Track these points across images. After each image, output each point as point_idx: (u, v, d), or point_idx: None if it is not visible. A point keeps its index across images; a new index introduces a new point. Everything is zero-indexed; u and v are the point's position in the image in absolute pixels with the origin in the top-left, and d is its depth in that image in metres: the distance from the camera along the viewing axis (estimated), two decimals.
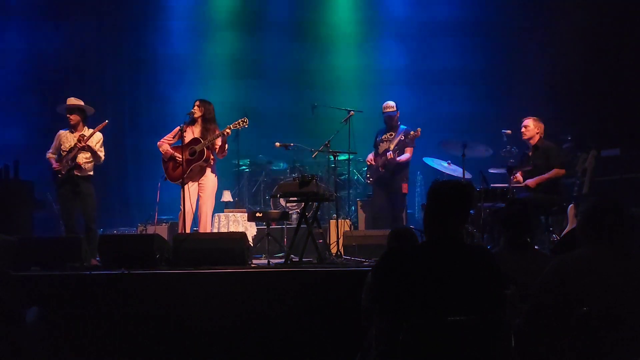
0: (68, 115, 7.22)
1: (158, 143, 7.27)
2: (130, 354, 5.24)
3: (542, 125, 6.99)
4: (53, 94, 9.40)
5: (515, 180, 6.84)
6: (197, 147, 7.02)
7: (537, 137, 6.96)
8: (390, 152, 7.67)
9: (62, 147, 7.20)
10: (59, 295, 5.34)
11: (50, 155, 7.24)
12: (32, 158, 8.39)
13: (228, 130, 6.96)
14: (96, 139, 7.18)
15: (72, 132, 7.24)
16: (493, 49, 9.81)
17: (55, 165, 7.13)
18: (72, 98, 7.34)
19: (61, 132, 7.32)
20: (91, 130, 7.18)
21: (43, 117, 9.15)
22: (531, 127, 6.95)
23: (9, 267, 5.16)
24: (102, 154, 7.20)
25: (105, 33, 10.16)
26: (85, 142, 7.04)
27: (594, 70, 8.96)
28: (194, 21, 10.54)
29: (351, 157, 8.55)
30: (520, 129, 7.04)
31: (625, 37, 8.83)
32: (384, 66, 10.27)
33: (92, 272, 5.55)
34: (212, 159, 7.17)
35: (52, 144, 7.32)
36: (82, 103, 7.30)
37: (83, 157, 7.14)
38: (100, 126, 7.15)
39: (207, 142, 7.01)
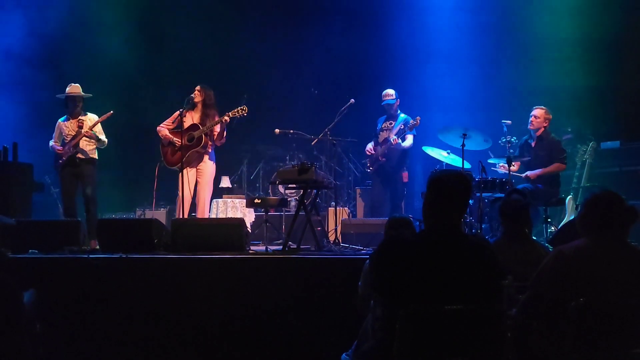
0: (76, 104, 7.27)
1: (157, 128, 7.27)
2: (126, 337, 5.25)
3: (550, 117, 7.00)
4: (52, 75, 9.38)
5: (502, 168, 6.87)
6: (195, 134, 7.02)
7: (542, 129, 6.97)
8: (395, 137, 7.67)
9: (63, 133, 7.27)
10: (56, 279, 5.35)
11: (52, 144, 7.32)
12: (31, 140, 8.39)
13: (226, 118, 6.95)
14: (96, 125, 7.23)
15: (71, 119, 7.26)
16: (495, 43, 9.76)
17: (59, 148, 7.17)
18: (74, 85, 7.35)
19: (60, 121, 7.37)
20: (95, 118, 7.23)
21: (42, 100, 9.12)
22: (541, 119, 6.95)
23: (8, 249, 5.18)
24: (103, 136, 7.26)
25: (105, 14, 10.09)
26: (90, 129, 7.08)
27: (594, 63, 8.93)
28: (197, 2, 10.49)
29: (351, 145, 8.56)
30: (528, 118, 7.03)
31: (626, 30, 8.80)
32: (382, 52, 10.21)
33: (90, 256, 5.56)
34: (210, 145, 7.17)
35: (52, 131, 7.40)
36: (80, 90, 7.32)
37: (84, 141, 7.17)
38: (105, 116, 7.21)
39: (205, 129, 7.01)
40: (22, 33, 9.80)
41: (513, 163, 6.74)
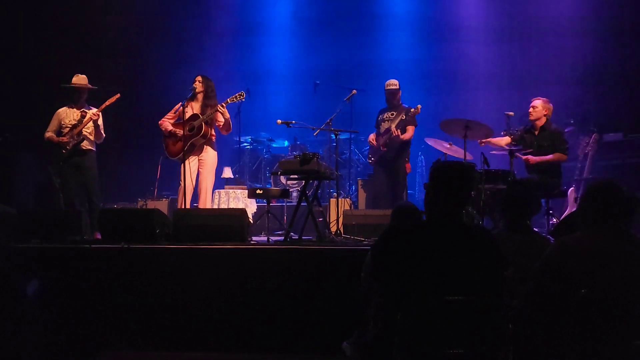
0: (81, 95, 7.23)
1: (159, 122, 7.27)
2: (128, 327, 5.27)
3: (550, 107, 6.99)
4: (55, 65, 9.35)
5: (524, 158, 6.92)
6: (196, 123, 7.02)
7: (544, 119, 6.95)
8: (395, 128, 7.66)
9: (62, 124, 7.21)
10: (58, 268, 5.36)
11: (49, 134, 7.23)
12: (33, 130, 8.37)
13: (223, 104, 6.96)
14: (99, 115, 7.19)
15: (74, 108, 7.23)
16: (500, 33, 9.72)
17: (62, 138, 7.12)
18: (80, 76, 7.30)
19: (60, 110, 7.31)
20: (93, 110, 7.17)
21: (44, 89, 9.10)
22: (539, 109, 6.94)
23: (10, 238, 5.20)
24: (102, 130, 7.24)
25: (108, 6, 10.08)
26: (99, 111, 7.05)
27: (597, 54, 8.90)
28: None
29: (353, 135, 8.54)
30: (528, 110, 7.03)
31: (630, 23, 8.77)
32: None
33: (92, 246, 5.57)
34: (211, 134, 7.16)
35: (50, 122, 7.32)
36: (87, 82, 7.29)
37: (84, 130, 7.15)
38: (113, 99, 7.14)
39: (205, 118, 7.01)
40: (23, 18, 9.79)
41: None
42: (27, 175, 7.83)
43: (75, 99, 7.25)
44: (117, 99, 7.15)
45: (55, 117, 7.30)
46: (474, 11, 9.76)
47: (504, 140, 7.07)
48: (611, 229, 3.07)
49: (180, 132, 6.96)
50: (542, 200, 6.67)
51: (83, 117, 7.14)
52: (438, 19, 9.89)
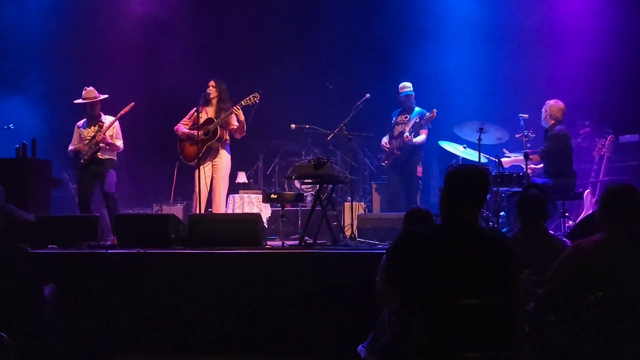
0: (94, 107, 7.25)
1: (175, 128, 7.30)
2: (143, 331, 5.30)
3: (556, 107, 6.79)
4: (71, 73, 9.44)
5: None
6: (211, 127, 7.05)
7: (552, 121, 6.86)
8: (407, 134, 7.66)
9: (82, 136, 7.29)
10: (75, 273, 5.41)
11: (73, 147, 7.32)
12: (50, 137, 8.46)
13: (238, 106, 6.98)
14: (114, 125, 7.23)
15: (91, 122, 7.29)
16: (513, 36, 9.67)
17: (79, 146, 7.20)
18: (89, 89, 7.32)
19: (78, 126, 7.37)
20: (109, 119, 7.20)
21: (60, 97, 9.19)
22: (544, 113, 6.89)
23: (27, 244, 5.24)
24: (119, 142, 7.28)
25: (120, 15, 10.16)
26: (114, 121, 7.12)
27: (614, 55, 8.84)
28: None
29: (366, 139, 8.53)
30: (542, 111, 6.99)
31: None
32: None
33: (109, 251, 5.61)
34: (226, 138, 7.20)
35: (69, 127, 7.43)
36: (96, 93, 7.30)
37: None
38: (127, 108, 7.18)
39: (219, 121, 7.04)
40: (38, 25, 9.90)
41: (530, 157, 6.67)
42: (44, 181, 7.88)
43: (89, 111, 7.29)
44: (131, 107, 7.19)
45: (76, 131, 7.38)
46: (489, 14, 9.71)
47: (535, 158, 6.90)
48: (627, 232, 3.05)
49: (195, 134, 6.98)
50: (559, 203, 6.62)
51: (100, 127, 7.19)
52: (450, 23, 9.85)
